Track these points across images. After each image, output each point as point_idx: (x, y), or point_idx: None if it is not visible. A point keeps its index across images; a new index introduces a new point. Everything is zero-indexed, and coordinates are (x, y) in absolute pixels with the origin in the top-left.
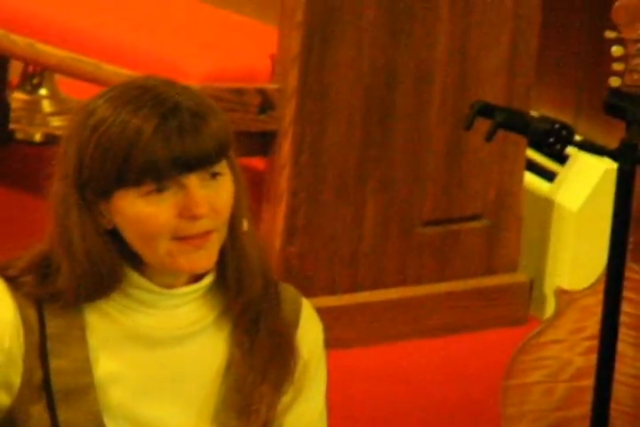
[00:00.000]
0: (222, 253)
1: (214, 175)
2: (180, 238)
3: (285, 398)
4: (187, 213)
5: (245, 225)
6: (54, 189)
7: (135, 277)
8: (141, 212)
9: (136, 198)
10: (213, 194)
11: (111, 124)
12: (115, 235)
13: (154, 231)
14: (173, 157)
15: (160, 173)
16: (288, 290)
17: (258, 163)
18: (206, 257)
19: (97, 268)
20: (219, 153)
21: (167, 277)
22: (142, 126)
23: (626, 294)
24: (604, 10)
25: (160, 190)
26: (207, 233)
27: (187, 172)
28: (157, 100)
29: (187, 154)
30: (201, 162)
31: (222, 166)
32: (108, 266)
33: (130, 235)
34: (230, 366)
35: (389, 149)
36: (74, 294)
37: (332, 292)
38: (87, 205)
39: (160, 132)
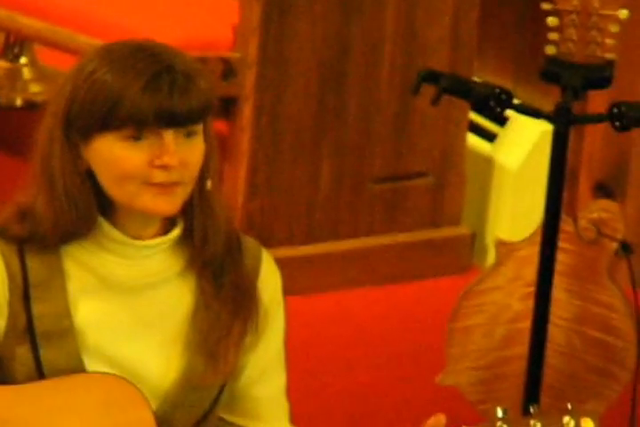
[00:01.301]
0: (190, 209)
1: (189, 134)
2: (148, 184)
3: (247, 342)
4: (158, 162)
5: (209, 185)
6: (43, 123)
7: (108, 228)
8: (117, 153)
9: (115, 141)
10: (186, 150)
11: (107, 72)
12: (90, 181)
13: (125, 173)
14: (158, 111)
15: (142, 122)
16: (249, 242)
17: (221, 126)
18: (170, 203)
19: (74, 204)
20: (201, 114)
21: (137, 229)
22: (135, 78)
23: (560, 244)
24: None
25: (138, 138)
26: (174, 184)
27: (167, 126)
28: (154, 59)
29: (172, 110)
30: (183, 119)
31: (199, 127)
32: (83, 203)
33: (103, 176)
34: (196, 313)
35: (343, 113)
36: (52, 232)
37: (291, 243)
38: (69, 142)
39: (151, 86)
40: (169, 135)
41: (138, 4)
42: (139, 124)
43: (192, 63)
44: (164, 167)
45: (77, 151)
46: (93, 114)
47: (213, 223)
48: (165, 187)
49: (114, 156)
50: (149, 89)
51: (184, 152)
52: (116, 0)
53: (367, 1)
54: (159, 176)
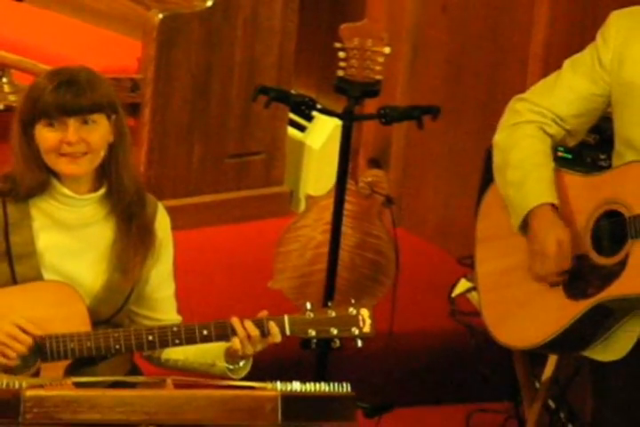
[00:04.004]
0: (110, 175)
1: (87, 122)
2: (62, 154)
3: (149, 263)
4: (65, 140)
5: (101, 154)
6: (13, 123)
7: (58, 186)
8: (43, 136)
9: (42, 128)
10: (85, 133)
11: (37, 85)
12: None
13: (47, 148)
14: (58, 106)
15: (50, 114)
16: (149, 197)
17: (130, 122)
18: (78, 167)
19: (31, 171)
20: (91, 109)
21: (75, 187)
22: (47, 86)
23: (347, 198)
24: (336, 29)
25: (52, 125)
26: (81, 154)
27: (67, 116)
28: (65, 74)
29: (65, 105)
30: (75, 112)
31: (96, 117)
32: (38, 171)
33: (42, 151)
34: (115, 243)
35: (208, 114)
36: (21, 190)
37: (175, 197)
38: (25, 133)
39: (56, 91)
40: (70, 122)
41: (76, 45)
42: (49, 116)
43: (94, 78)
44: (68, 143)
45: (30, 138)
46: (28, 111)
47: (125, 184)
48: (73, 157)
49: (41, 138)
50: (54, 92)
51: (84, 133)
52: (63, 42)
53: (223, 41)
54: (66, 149)
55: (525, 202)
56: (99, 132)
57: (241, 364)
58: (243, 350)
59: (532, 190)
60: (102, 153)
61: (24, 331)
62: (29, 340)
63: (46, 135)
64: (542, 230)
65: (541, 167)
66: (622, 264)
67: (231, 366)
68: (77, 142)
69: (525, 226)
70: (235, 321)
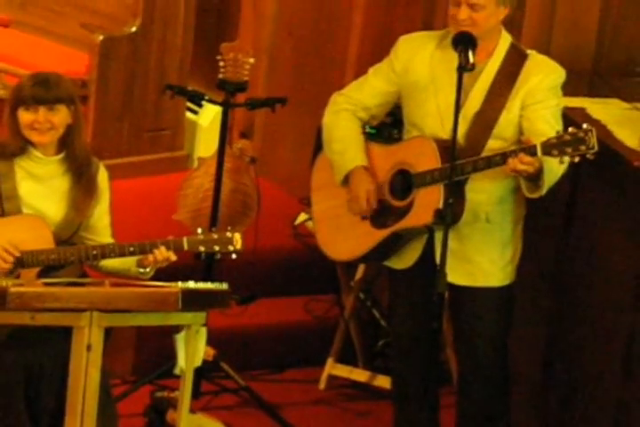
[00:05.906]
0: (67, 145)
1: (51, 109)
2: (34, 129)
3: (93, 203)
4: (36, 120)
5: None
6: (5, 110)
7: (33, 150)
8: (22, 117)
9: (22, 111)
10: (50, 116)
11: (21, 83)
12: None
13: (24, 125)
14: (33, 98)
15: (28, 103)
16: (94, 159)
17: (84, 108)
18: (46, 138)
19: (15, 140)
20: (55, 100)
21: (44, 151)
22: (27, 84)
23: (225, 158)
24: (218, 46)
25: (28, 109)
26: (46, 130)
27: (38, 104)
28: (40, 77)
29: (36, 98)
30: (42, 102)
31: (59, 106)
32: (19, 140)
33: (21, 126)
34: (71, 190)
35: (133, 103)
36: (7, 151)
37: (111, 158)
38: (12, 114)
39: (32, 88)
40: (40, 109)
41: (48, 57)
42: (26, 104)
43: (59, 79)
44: (38, 122)
45: (15, 117)
46: (14, 100)
47: (78, 151)
48: (40, 131)
49: (21, 118)
50: (31, 88)
51: (49, 116)
52: (37, 55)
53: (144, 54)
54: (36, 126)
55: (346, 165)
56: (59, 116)
57: (147, 269)
58: (154, 261)
59: (350, 157)
60: (62, 130)
61: (10, 254)
62: (13, 260)
63: (24, 116)
64: (356, 184)
65: (355, 140)
66: (410, 206)
67: (141, 270)
68: (44, 122)
69: (346, 181)
70: (156, 248)
